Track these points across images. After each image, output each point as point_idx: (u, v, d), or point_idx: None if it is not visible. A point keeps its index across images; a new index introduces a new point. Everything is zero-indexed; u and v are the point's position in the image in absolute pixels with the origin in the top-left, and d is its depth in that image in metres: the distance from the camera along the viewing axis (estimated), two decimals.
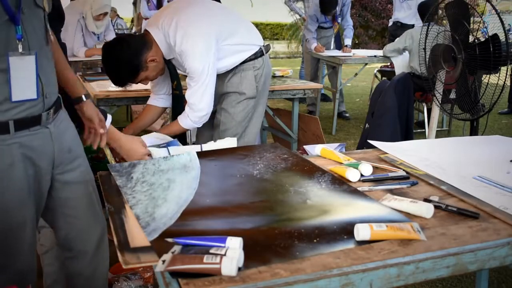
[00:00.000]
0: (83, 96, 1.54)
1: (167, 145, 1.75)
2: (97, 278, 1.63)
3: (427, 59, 2.90)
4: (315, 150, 1.57)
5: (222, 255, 0.84)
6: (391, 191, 1.23)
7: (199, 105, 2.13)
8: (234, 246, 0.88)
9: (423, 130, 4.61)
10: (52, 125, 1.38)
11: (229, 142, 1.62)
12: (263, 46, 2.36)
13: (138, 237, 0.96)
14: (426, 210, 1.08)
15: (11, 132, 1.26)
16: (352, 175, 1.31)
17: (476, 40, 2.49)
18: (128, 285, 1.99)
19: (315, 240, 0.95)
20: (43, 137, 1.35)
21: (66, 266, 1.63)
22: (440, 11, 2.88)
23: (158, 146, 1.74)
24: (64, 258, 1.61)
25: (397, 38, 4.62)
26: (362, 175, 1.34)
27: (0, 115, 1.24)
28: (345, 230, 0.99)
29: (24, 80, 1.26)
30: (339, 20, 5.84)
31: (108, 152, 1.80)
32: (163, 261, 0.85)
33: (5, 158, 1.27)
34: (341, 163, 1.42)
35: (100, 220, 1.59)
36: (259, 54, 2.31)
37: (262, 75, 2.33)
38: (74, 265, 1.60)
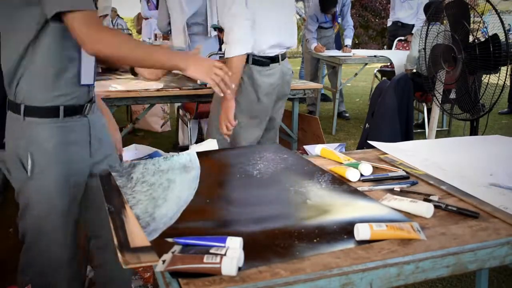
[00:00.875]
0: None
1: (149, 156, 1.74)
2: (121, 270, 1.70)
3: (427, 59, 2.90)
4: (315, 150, 1.57)
5: (222, 255, 0.84)
6: (391, 191, 1.24)
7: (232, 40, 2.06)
8: (234, 246, 0.88)
9: (423, 130, 4.61)
10: (90, 115, 1.52)
11: (209, 145, 1.59)
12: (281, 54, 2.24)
13: (138, 237, 0.96)
14: (426, 210, 1.08)
15: (60, 117, 1.41)
16: (352, 175, 1.31)
17: (476, 40, 2.49)
18: None
19: (315, 240, 0.95)
20: (84, 124, 1.50)
21: (95, 257, 1.73)
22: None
23: (140, 158, 1.73)
24: (94, 248, 1.72)
25: (412, 45, 4.48)
26: (362, 175, 1.34)
27: (53, 100, 1.40)
28: (345, 230, 0.99)
29: (88, 67, 1.46)
30: (339, 20, 5.85)
31: None
32: (163, 261, 0.85)
33: (52, 138, 1.41)
34: (341, 163, 1.42)
35: None
36: (275, 59, 2.20)
37: (269, 87, 2.19)
38: (101, 255, 1.70)
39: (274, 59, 2.25)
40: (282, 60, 2.31)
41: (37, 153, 1.41)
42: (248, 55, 2.17)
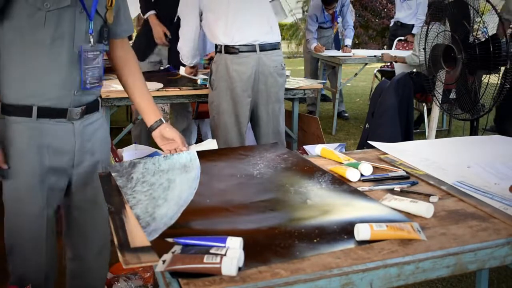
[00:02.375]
0: (162, 118, 1.56)
1: (148, 157, 1.74)
2: (95, 284, 1.65)
3: (427, 59, 2.90)
4: (315, 150, 1.57)
5: (222, 255, 0.84)
6: (391, 191, 1.24)
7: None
8: (234, 246, 0.88)
9: (423, 130, 4.61)
10: (79, 123, 1.42)
11: (209, 145, 1.58)
12: (231, 45, 2.46)
13: (138, 237, 0.96)
14: (426, 210, 1.08)
15: (33, 117, 1.34)
16: (352, 175, 1.31)
17: (476, 40, 2.49)
18: (128, 285, 1.99)
19: (315, 240, 0.95)
20: (66, 130, 1.40)
21: (68, 265, 1.65)
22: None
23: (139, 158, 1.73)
24: (67, 257, 1.64)
25: (414, 46, 4.40)
26: (362, 175, 1.34)
27: (26, 99, 1.33)
28: (345, 230, 0.99)
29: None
30: (339, 20, 5.85)
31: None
32: (164, 261, 0.85)
33: (24, 138, 1.35)
34: (341, 163, 1.42)
35: (106, 230, 1.59)
36: (218, 49, 2.52)
37: (217, 71, 2.53)
38: (74, 266, 1.62)
39: (247, 50, 2.49)
40: (262, 51, 2.52)
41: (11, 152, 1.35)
42: (221, 45, 2.51)
